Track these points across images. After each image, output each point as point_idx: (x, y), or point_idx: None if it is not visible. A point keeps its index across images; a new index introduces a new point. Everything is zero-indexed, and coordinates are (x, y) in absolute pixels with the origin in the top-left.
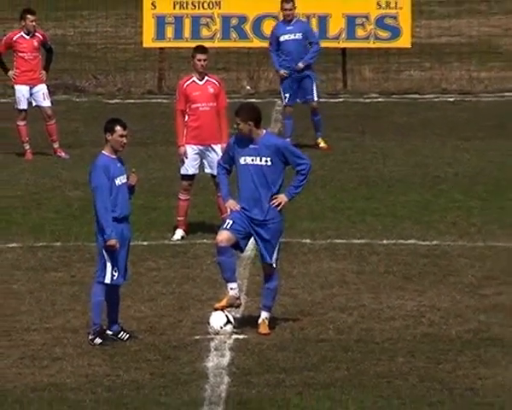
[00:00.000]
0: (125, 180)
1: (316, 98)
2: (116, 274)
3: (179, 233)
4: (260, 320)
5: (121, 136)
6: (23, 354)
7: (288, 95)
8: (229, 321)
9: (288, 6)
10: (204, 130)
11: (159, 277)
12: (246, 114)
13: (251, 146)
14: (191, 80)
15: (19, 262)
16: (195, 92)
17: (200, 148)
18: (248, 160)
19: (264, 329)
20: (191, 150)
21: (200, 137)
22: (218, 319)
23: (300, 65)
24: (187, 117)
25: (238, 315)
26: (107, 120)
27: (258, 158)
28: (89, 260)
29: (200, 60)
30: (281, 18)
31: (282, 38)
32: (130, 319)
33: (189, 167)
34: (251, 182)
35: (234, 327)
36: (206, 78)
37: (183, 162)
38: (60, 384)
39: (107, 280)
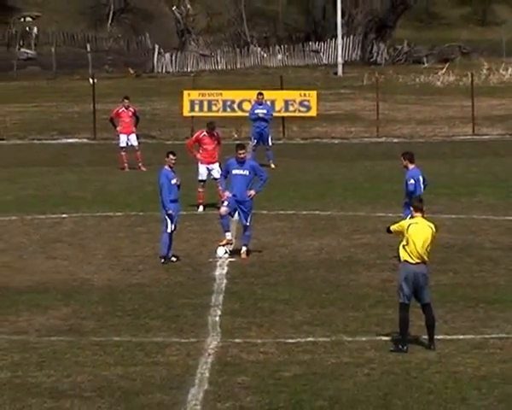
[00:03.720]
0: (175, 181)
1: (270, 143)
2: (172, 227)
3: (201, 209)
4: (242, 251)
5: (171, 159)
6: (123, 267)
7: (255, 141)
8: (226, 252)
9: (260, 96)
10: (210, 157)
11: (191, 229)
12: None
13: (242, 165)
14: (204, 133)
15: (121, 222)
16: (206, 140)
17: (207, 166)
18: (237, 172)
19: (244, 256)
20: (204, 167)
21: (208, 161)
22: (220, 251)
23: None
24: (201, 151)
25: (231, 249)
26: (167, 151)
27: (242, 170)
28: (157, 220)
29: (211, 130)
30: (255, 100)
31: (256, 111)
32: (176, 251)
33: (202, 176)
34: (238, 183)
35: (228, 255)
36: (213, 132)
37: (202, 164)
38: (141, 284)
39: (169, 230)
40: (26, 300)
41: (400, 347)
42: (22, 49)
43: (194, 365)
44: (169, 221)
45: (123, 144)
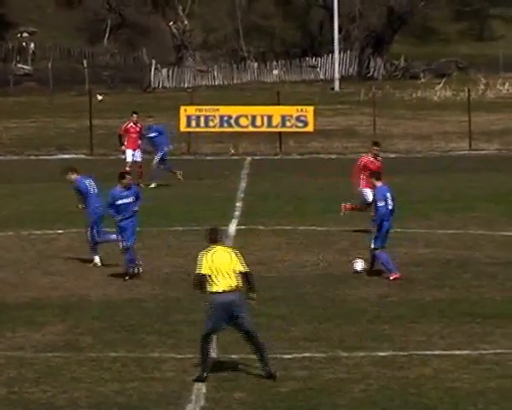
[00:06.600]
0: (126, 200)
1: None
2: (127, 243)
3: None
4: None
5: (125, 180)
6: (120, 283)
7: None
8: None
9: (149, 119)
10: (370, 185)
11: (189, 245)
12: None
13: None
14: (371, 159)
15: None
16: (372, 166)
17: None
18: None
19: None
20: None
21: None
22: None
23: None
24: (363, 176)
25: None
26: (120, 171)
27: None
28: (153, 236)
29: (376, 156)
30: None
31: (148, 136)
32: (174, 266)
33: (369, 198)
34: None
35: None
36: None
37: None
38: (138, 299)
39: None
40: (23, 316)
41: (202, 375)
42: (19, 65)
43: (190, 381)
44: (120, 237)
45: (129, 159)
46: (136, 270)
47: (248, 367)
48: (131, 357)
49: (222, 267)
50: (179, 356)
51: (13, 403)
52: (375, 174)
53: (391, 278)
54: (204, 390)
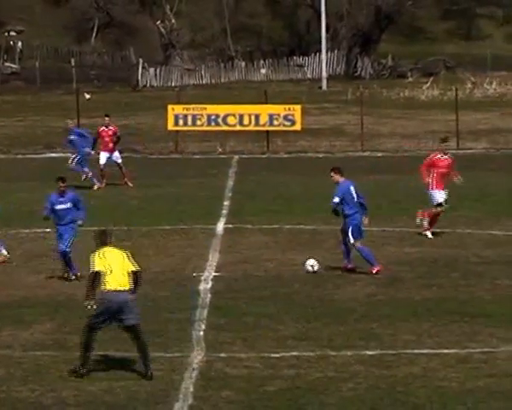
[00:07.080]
0: (64, 206)
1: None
2: (63, 247)
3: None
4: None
5: (60, 186)
6: None
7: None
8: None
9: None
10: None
11: (175, 244)
12: None
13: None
14: (438, 156)
15: None
16: (441, 163)
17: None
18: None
19: None
20: (437, 192)
21: (441, 187)
22: None
23: None
24: (434, 174)
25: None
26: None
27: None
28: (141, 235)
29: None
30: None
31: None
32: (161, 265)
33: (438, 200)
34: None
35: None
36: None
37: (435, 189)
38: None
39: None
40: (11, 314)
41: (79, 369)
42: (6, 64)
43: (178, 379)
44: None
45: (102, 161)
46: (71, 276)
47: (236, 366)
48: (119, 356)
49: (115, 265)
50: (167, 355)
51: (1, 402)
52: (337, 169)
53: (373, 271)
54: (192, 389)
